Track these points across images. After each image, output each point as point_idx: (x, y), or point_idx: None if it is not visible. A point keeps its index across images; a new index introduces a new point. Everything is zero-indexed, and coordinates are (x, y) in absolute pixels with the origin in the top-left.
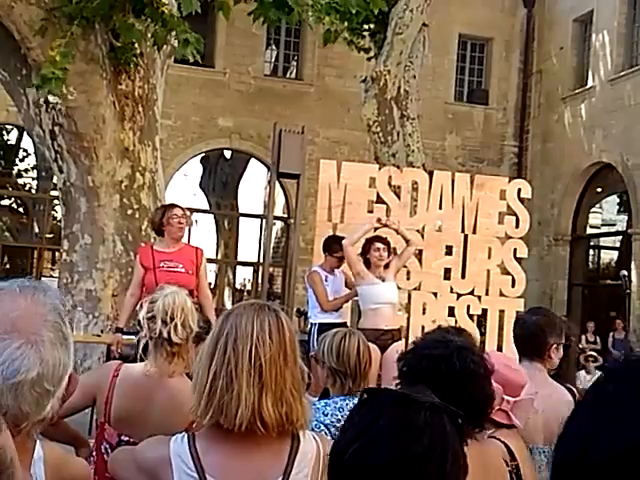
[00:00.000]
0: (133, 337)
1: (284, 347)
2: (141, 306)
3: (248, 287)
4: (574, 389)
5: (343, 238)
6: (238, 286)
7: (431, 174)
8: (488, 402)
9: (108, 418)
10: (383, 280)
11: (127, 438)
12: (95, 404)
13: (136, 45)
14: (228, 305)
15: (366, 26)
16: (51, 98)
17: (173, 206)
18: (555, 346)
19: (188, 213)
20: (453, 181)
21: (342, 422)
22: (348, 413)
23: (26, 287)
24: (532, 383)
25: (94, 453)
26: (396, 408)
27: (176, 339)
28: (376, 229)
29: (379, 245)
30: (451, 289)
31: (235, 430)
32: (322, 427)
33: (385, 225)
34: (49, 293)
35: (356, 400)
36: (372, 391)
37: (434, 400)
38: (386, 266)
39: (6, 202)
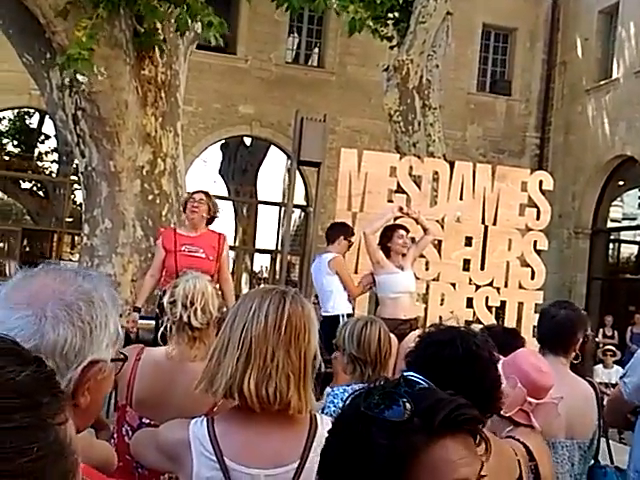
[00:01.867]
0: (151, 321)
1: (279, 327)
2: (164, 292)
3: (265, 275)
4: (594, 382)
5: (344, 225)
6: (256, 273)
7: (452, 164)
8: (495, 386)
9: (130, 401)
10: (402, 269)
11: (148, 421)
12: (117, 387)
13: (159, 31)
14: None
15: (390, 15)
16: (80, 77)
17: (198, 191)
18: (580, 340)
19: (212, 199)
20: (474, 172)
21: None
22: None
23: (62, 270)
24: (555, 377)
25: (115, 435)
26: None
27: (196, 323)
28: (397, 218)
29: (402, 232)
30: (470, 280)
31: (216, 400)
32: None
33: (406, 214)
34: (90, 279)
35: None
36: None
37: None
38: (404, 255)
39: (27, 185)
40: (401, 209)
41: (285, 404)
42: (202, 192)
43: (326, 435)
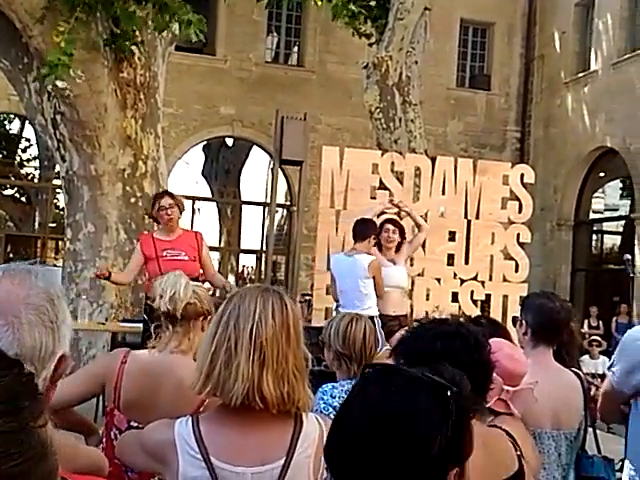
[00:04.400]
0: (138, 325)
1: (287, 328)
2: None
3: (252, 275)
4: (580, 373)
5: (373, 222)
6: (241, 274)
7: (434, 160)
8: (491, 371)
9: (117, 404)
10: (394, 264)
11: (136, 424)
12: (104, 391)
13: (137, 33)
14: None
15: (367, 13)
16: (59, 83)
17: (163, 195)
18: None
19: (177, 197)
20: (456, 167)
21: None
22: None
23: (14, 271)
24: (542, 369)
25: (104, 440)
26: (387, 386)
27: (164, 308)
28: (383, 213)
29: (389, 226)
30: (454, 275)
31: (232, 405)
32: (330, 409)
33: (397, 206)
34: (41, 277)
35: None
36: (373, 367)
37: (434, 377)
38: (397, 250)
39: (9, 192)
40: (392, 201)
41: (296, 403)
42: (167, 194)
43: (312, 431)
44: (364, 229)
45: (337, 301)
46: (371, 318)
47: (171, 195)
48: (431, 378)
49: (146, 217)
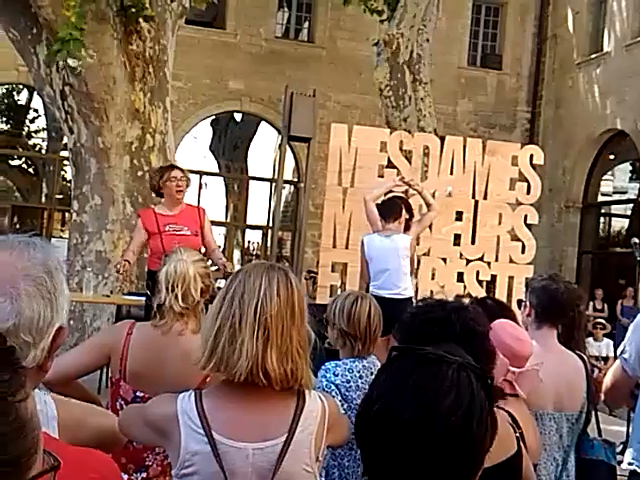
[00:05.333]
0: (142, 298)
1: (292, 305)
2: (151, 273)
3: (257, 251)
4: (584, 356)
5: (404, 200)
6: (247, 249)
7: (442, 139)
8: (490, 359)
9: (123, 375)
10: None
11: (142, 394)
12: (109, 363)
13: (147, 4)
14: (237, 268)
15: None
16: (71, 62)
17: (172, 167)
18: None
19: (189, 175)
20: (465, 146)
21: (351, 383)
22: (358, 374)
23: (12, 243)
24: (546, 350)
25: (109, 412)
26: (425, 366)
27: (177, 308)
28: (391, 191)
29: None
30: (460, 255)
31: (235, 381)
32: (332, 387)
33: (408, 184)
34: (39, 248)
35: (365, 362)
36: (402, 349)
37: (464, 359)
38: (407, 229)
39: (16, 162)
40: (402, 179)
41: (299, 380)
42: (177, 168)
43: (314, 409)
44: (394, 209)
45: (367, 283)
46: (409, 299)
47: (180, 169)
48: (471, 364)
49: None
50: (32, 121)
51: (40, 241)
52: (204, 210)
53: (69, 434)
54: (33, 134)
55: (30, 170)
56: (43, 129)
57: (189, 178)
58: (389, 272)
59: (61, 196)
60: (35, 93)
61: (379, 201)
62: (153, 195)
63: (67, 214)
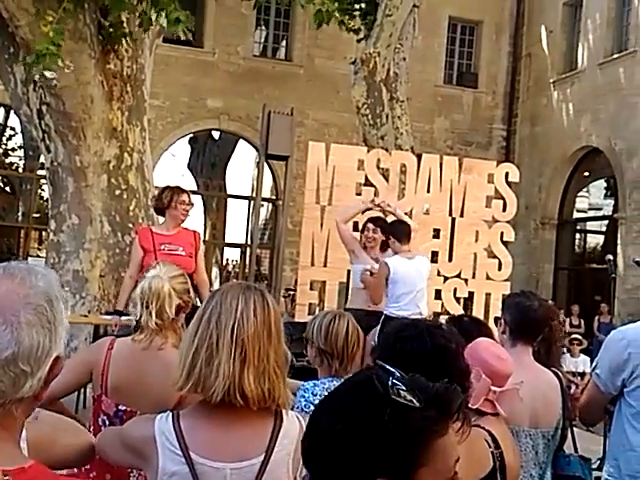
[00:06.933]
0: (132, 318)
1: (268, 325)
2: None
3: (236, 269)
4: (559, 372)
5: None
6: (225, 267)
7: (419, 157)
8: (464, 377)
9: (105, 389)
10: (377, 261)
11: (124, 407)
12: (90, 381)
13: (124, 24)
14: (216, 286)
15: (357, 6)
16: (48, 74)
17: (181, 191)
18: None
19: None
20: (441, 164)
21: None
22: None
23: (15, 270)
24: (521, 367)
25: (91, 428)
26: None
27: (152, 325)
28: (367, 210)
29: (369, 225)
30: (438, 272)
31: (212, 401)
32: (311, 407)
33: (378, 205)
34: (41, 276)
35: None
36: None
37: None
38: (385, 249)
39: None
40: (373, 201)
41: (276, 400)
42: (185, 192)
43: (292, 429)
44: (405, 229)
45: (376, 304)
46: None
47: (188, 194)
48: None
49: (130, 210)
50: (9, 139)
51: (42, 269)
52: (199, 235)
53: (41, 453)
54: (10, 152)
55: (7, 189)
56: (20, 147)
57: (193, 203)
58: (414, 294)
59: (38, 215)
60: (12, 112)
61: (389, 220)
62: (131, 214)
63: (44, 233)
